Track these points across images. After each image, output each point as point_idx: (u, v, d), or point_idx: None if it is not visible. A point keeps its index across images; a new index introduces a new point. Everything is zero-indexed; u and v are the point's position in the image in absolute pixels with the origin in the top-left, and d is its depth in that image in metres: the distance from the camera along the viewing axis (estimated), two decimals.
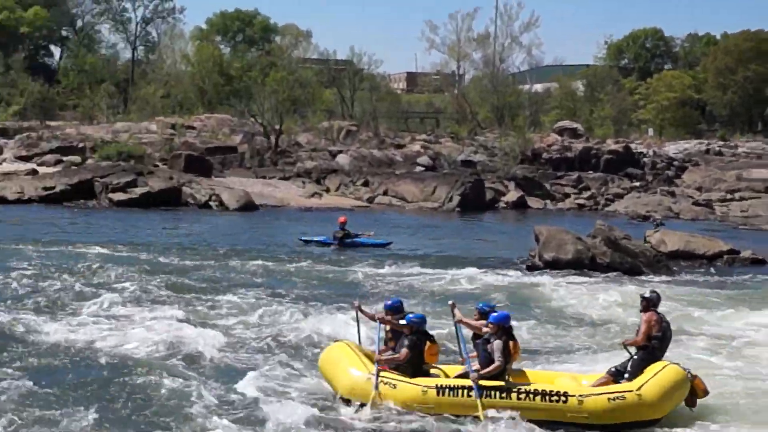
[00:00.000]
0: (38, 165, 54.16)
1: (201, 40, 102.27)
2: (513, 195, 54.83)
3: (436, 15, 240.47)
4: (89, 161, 55.56)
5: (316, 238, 33.73)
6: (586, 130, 75.15)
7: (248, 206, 46.62)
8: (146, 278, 23.81)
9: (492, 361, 13.28)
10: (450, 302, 14.65)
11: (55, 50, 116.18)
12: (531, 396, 13.11)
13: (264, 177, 56.75)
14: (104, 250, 28.85)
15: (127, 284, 22.75)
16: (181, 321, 18.58)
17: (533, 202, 54.84)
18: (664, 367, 13.71)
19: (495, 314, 13.78)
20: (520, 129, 69.29)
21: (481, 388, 13.06)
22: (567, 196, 56.76)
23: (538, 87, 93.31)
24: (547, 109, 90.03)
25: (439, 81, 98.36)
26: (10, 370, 14.80)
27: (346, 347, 14.44)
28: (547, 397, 13.09)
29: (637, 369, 13.92)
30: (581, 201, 55.82)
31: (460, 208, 50.30)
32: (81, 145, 59.21)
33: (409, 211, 50.39)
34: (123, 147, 57.13)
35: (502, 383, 13.22)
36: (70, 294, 21.33)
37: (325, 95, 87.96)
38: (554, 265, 28.23)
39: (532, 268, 28.59)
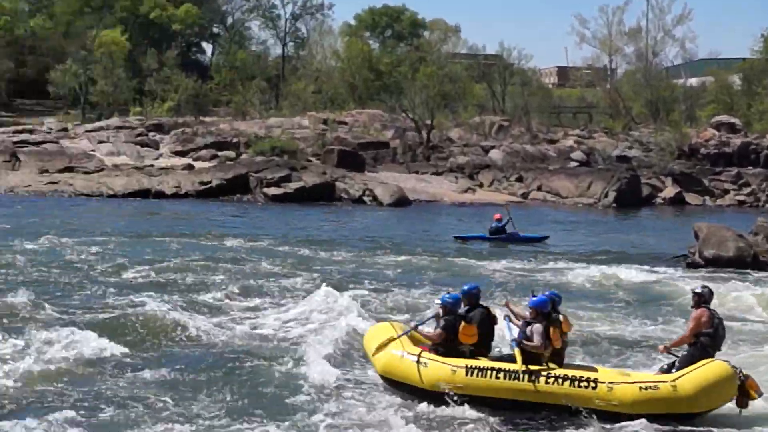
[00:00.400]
0: (194, 160, 54.87)
1: (350, 35, 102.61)
2: (670, 191, 53.53)
3: (586, 8, 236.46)
4: (243, 156, 56.07)
5: (471, 235, 33.21)
6: (744, 125, 72.26)
7: (402, 201, 46.29)
8: (299, 272, 23.49)
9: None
10: (504, 301, 14.94)
11: (207, 47, 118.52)
12: (559, 381, 12.85)
13: (416, 172, 56.40)
14: (258, 243, 28.82)
15: (281, 278, 22.51)
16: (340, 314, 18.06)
17: (691, 199, 53.50)
18: (709, 363, 13.19)
19: (534, 299, 13.52)
20: (676, 124, 67.37)
21: (520, 348, 12.93)
22: (726, 192, 55.24)
23: (693, 81, 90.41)
24: (702, 103, 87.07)
25: (590, 75, 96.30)
26: (152, 357, 14.93)
27: (388, 327, 14.41)
28: (576, 383, 12.83)
29: (685, 365, 13.41)
30: (741, 197, 54.43)
31: (616, 204, 49.30)
32: (235, 140, 59.82)
33: (564, 206, 49.34)
34: (276, 142, 57.44)
35: (534, 366, 12.94)
36: (222, 285, 21.10)
37: (476, 90, 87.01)
38: (715, 263, 27.39)
39: (692, 266, 27.75)
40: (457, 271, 25.21)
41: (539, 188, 53.87)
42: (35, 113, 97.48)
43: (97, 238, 28.69)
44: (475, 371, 13.01)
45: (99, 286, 20.47)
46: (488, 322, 13.71)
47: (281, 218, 38.13)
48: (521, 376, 12.87)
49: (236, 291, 20.53)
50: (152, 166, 51.89)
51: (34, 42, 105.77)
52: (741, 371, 13.15)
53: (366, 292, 20.91)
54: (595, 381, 12.85)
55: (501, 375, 12.95)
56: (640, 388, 12.80)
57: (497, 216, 33.25)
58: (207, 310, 18.55)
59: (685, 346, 13.78)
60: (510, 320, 13.80)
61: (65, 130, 61.83)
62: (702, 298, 13.94)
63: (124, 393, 12.95)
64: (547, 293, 13.94)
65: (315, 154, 57.46)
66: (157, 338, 16.10)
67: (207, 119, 70.51)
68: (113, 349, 15.09)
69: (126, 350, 15.18)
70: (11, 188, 43.08)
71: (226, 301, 19.65)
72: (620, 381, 12.98)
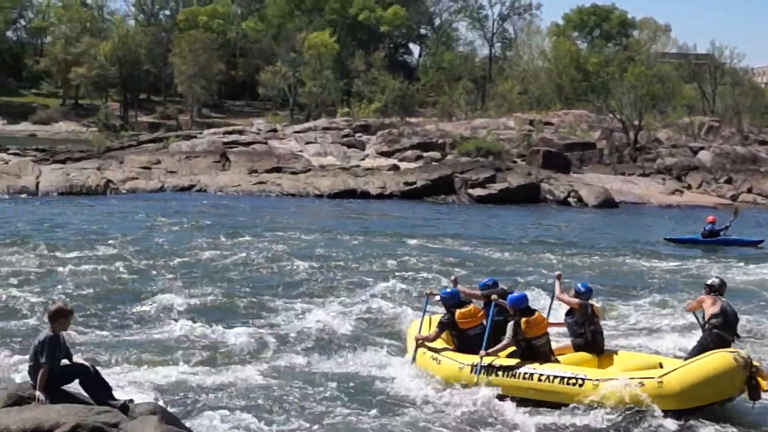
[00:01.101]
0: (399, 161, 55.26)
1: (558, 35, 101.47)
2: None
3: None
4: (449, 157, 56.09)
5: (684, 237, 32.18)
6: None
7: (607, 203, 45.30)
8: (505, 276, 23.05)
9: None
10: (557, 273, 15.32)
11: (414, 48, 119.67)
12: (548, 378, 13.05)
13: (623, 173, 55.14)
14: (458, 244, 28.58)
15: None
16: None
17: None
18: (709, 355, 12.93)
19: (512, 295, 13.93)
20: None
21: (486, 366, 13.37)
22: None
23: None
24: None
25: None
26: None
27: (422, 321, 15.09)
28: (564, 381, 12.96)
29: (696, 353, 13.37)
30: None
31: None
32: (440, 141, 59.92)
33: None
34: (482, 143, 57.25)
35: (516, 362, 13.38)
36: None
37: (685, 90, 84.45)
38: None
39: None
40: (665, 273, 24.40)
41: (749, 190, 52.03)
42: (245, 114, 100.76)
43: (305, 236, 29.23)
44: (479, 368, 13.45)
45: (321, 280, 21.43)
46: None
47: (485, 219, 37.84)
48: (505, 373, 13.32)
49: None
50: (358, 166, 52.55)
51: (245, 44, 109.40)
52: (752, 362, 12.80)
53: None
54: (583, 378, 12.93)
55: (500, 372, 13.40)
56: (626, 385, 12.73)
57: (711, 218, 32.15)
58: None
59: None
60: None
61: (274, 131, 63.40)
62: (712, 288, 13.99)
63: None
64: (582, 285, 14.48)
65: (520, 155, 56.99)
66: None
67: (413, 120, 70.96)
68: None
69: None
70: (221, 188, 44.42)
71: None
72: (607, 378, 12.94)
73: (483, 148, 55.84)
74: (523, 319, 13.49)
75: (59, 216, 32.96)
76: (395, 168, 51.70)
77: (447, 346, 14.34)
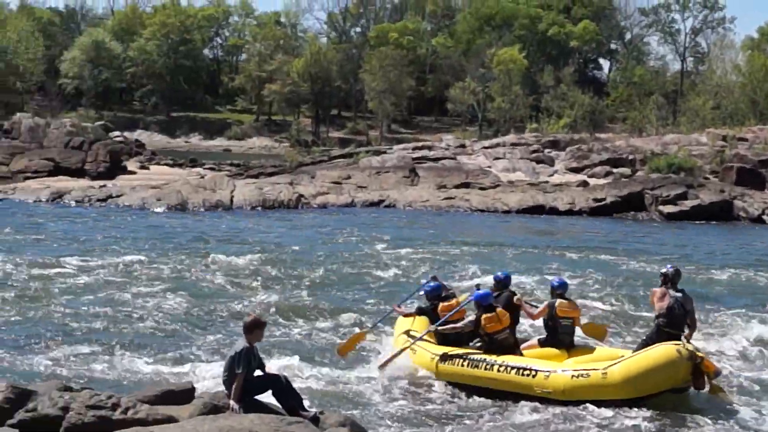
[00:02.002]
0: (588, 176, 54.46)
1: (752, 49, 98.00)
2: None
3: None
4: (639, 173, 54.89)
5: None
6: None
7: None
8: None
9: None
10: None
11: (604, 63, 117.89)
12: (505, 369, 13.80)
13: None
14: (650, 261, 27.83)
15: None
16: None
17: None
18: (653, 348, 13.64)
19: (477, 292, 14.96)
20: None
21: (451, 356, 14.50)
22: None
23: None
24: None
25: None
26: None
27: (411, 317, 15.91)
28: (519, 371, 13.69)
29: (642, 347, 14.11)
30: None
31: None
32: (630, 157, 58.73)
33: None
34: (673, 159, 55.74)
35: (474, 352, 14.34)
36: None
37: None
38: None
39: None
40: None
41: None
42: (433, 130, 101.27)
43: (490, 249, 29.18)
44: (445, 359, 14.49)
45: None
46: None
47: (676, 236, 36.80)
48: (460, 362, 14.25)
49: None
50: (547, 182, 52.06)
51: (434, 60, 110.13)
52: (696, 354, 13.41)
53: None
54: (534, 370, 13.66)
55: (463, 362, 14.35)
56: (572, 376, 13.45)
57: None
58: None
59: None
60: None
61: (462, 146, 63.48)
62: (666, 278, 14.54)
63: None
64: (557, 281, 15.68)
65: (713, 172, 55.18)
66: None
67: (602, 135, 69.76)
68: None
69: None
70: (409, 203, 44.73)
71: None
72: (556, 369, 13.65)
73: (674, 164, 54.34)
74: (484, 315, 14.39)
75: (251, 229, 33.98)
76: (584, 184, 50.93)
77: (430, 339, 15.17)
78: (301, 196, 44.29)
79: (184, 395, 11.08)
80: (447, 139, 68.38)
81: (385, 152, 59.94)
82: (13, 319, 18.01)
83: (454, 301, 15.59)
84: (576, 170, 57.09)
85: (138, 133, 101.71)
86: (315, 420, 10.41)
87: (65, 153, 58.24)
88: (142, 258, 25.71)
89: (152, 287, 21.62)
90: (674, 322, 14.20)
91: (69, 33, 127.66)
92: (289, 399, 10.92)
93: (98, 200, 42.18)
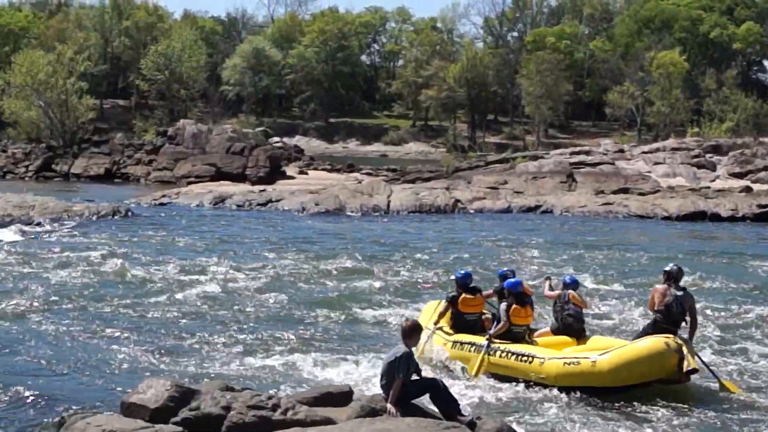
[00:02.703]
0: (752, 182, 52.80)
1: None
2: None
3: None
4: None
5: None
6: None
7: None
8: None
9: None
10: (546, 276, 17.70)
11: None
12: (508, 355, 14.68)
13: None
14: None
15: None
16: None
17: None
18: (644, 339, 14.39)
19: (509, 280, 15.54)
20: None
21: (462, 343, 15.30)
22: None
23: None
24: None
25: None
26: None
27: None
28: (519, 358, 14.52)
29: (636, 338, 14.88)
30: None
31: None
32: None
33: None
34: None
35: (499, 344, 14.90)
36: None
37: None
38: None
39: None
40: None
41: None
42: (591, 135, 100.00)
43: (648, 255, 28.58)
44: (458, 345, 15.34)
45: None
46: None
47: None
48: (486, 351, 14.88)
49: None
50: (708, 188, 50.72)
51: (592, 64, 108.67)
52: (683, 347, 13.95)
53: None
54: (532, 357, 14.46)
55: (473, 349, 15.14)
56: (564, 363, 14.18)
57: None
58: None
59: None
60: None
61: (621, 151, 62.40)
62: (669, 276, 15.04)
63: None
64: (568, 278, 16.56)
65: None
66: None
67: (767, 140, 67.54)
68: None
69: None
70: (566, 208, 44.15)
71: None
72: (552, 357, 14.38)
73: None
74: (515, 306, 15.14)
75: (408, 233, 34.16)
76: (748, 190, 49.35)
77: (446, 327, 15.90)
78: (458, 201, 44.28)
79: (341, 397, 11.20)
80: (605, 144, 67.31)
81: (542, 157, 59.42)
82: (175, 319, 18.54)
83: (478, 296, 15.96)
84: (739, 175, 55.46)
85: (297, 139, 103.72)
86: (471, 425, 10.38)
87: (227, 158, 59.83)
88: (300, 260, 26.17)
89: (309, 290, 21.96)
90: (671, 319, 14.72)
91: (230, 41, 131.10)
92: (446, 403, 10.92)
93: (258, 204, 43.11)
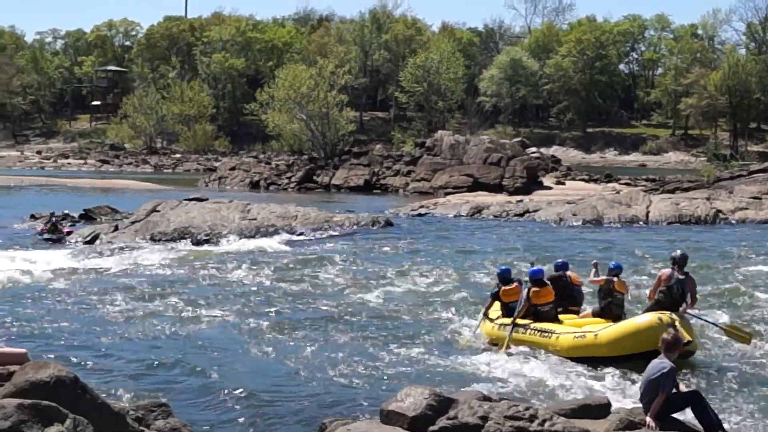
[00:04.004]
0: None
1: None
2: None
3: None
4: None
5: None
6: None
7: None
8: None
9: None
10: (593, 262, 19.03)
11: None
12: (534, 332, 16.64)
13: None
14: None
15: None
16: None
17: None
18: (639, 316, 16.32)
19: (531, 269, 17.68)
20: None
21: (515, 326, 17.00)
22: None
23: None
24: None
25: None
26: None
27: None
28: (542, 334, 16.46)
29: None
30: None
31: None
32: None
33: None
34: None
35: (524, 321, 16.94)
36: None
37: None
38: None
39: None
40: None
41: None
42: None
43: None
44: (498, 327, 17.38)
45: None
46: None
47: None
48: (512, 330, 16.93)
49: None
50: None
51: None
52: (676, 323, 14.77)
53: None
54: (551, 332, 16.44)
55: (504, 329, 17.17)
56: (574, 337, 16.15)
57: None
58: None
59: None
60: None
61: None
62: (674, 262, 16.69)
63: None
64: (613, 264, 17.78)
65: None
66: None
67: None
68: None
69: None
70: None
71: None
72: (564, 332, 16.39)
73: None
74: (533, 288, 17.19)
75: (665, 245, 33.23)
76: None
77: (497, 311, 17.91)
78: (719, 211, 42.70)
79: (599, 409, 11.05)
80: None
81: None
82: (433, 327, 18.77)
83: (514, 286, 17.77)
84: None
85: (554, 149, 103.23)
86: None
87: (484, 169, 60.23)
88: None
89: None
90: (671, 300, 16.38)
91: (487, 52, 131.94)
92: (709, 417, 10.59)
93: (515, 215, 43.12)
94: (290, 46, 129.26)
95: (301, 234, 34.86)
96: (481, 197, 51.12)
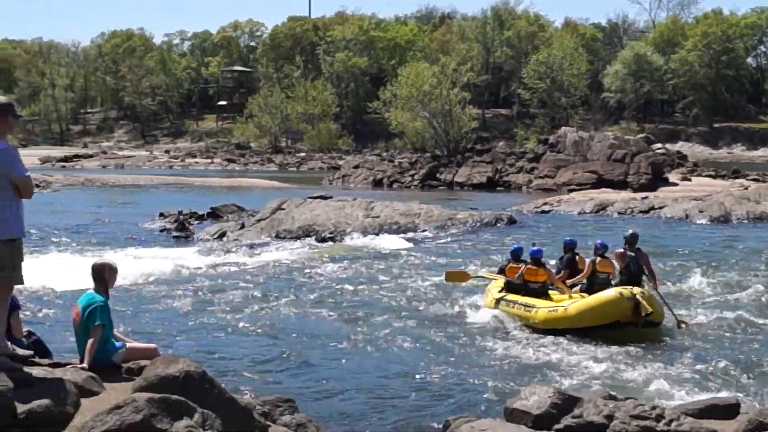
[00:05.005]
0: None
1: None
2: None
3: None
4: None
5: None
6: None
7: None
8: None
9: None
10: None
11: None
12: (519, 306, 18.40)
13: None
14: None
15: None
16: None
17: None
18: (603, 291, 17.80)
19: (531, 249, 19.52)
20: None
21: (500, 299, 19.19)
22: None
23: None
24: None
25: None
26: None
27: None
28: (525, 308, 18.19)
29: None
30: None
31: None
32: None
33: None
34: None
35: (514, 297, 18.84)
36: None
37: None
38: None
39: None
40: None
41: None
42: None
43: None
44: (511, 303, 18.78)
45: None
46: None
47: None
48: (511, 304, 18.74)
49: None
50: None
51: None
52: (636, 296, 16.96)
53: None
54: (532, 306, 18.06)
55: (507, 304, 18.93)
56: (548, 311, 17.71)
57: None
58: None
59: None
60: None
61: None
62: (625, 240, 18.86)
63: None
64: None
65: None
66: None
67: None
68: None
69: None
70: None
71: None
72: (541, 306, 17.97)
73: None
74: (527, 267, 19.06)
75: None
76: None
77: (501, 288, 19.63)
78: None
79: (728, 410, 10.80)
80: None
81: None
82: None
83: (520, 265, 19.42)
84: None
85: (679, 145, 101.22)
86: None
87: (608, 165, 59.44)
88: (689, 268, 25.40)
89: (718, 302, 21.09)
90: (631, 276, 18.25)
91: (611, 47, 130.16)
92: None
93: (640, 212, 42.43)
94: (412, 44, 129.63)
95: (424, 231, 34.96)
96: (605, 194, 50.42)
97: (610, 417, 10.07)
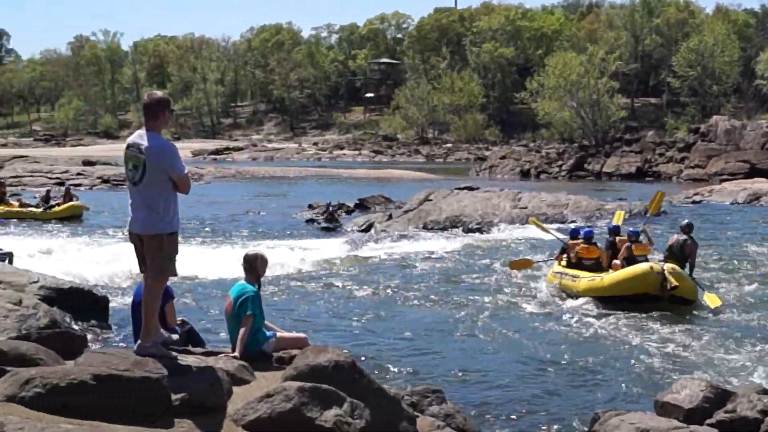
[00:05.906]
0: None
1: None
2: None
3: None
4: None
5: None
6: None
7: None
8: None
9: None
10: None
11: None
12: (569, 277, 20.65)
13: None
14: None
15: None
16: None
17: None
18: (637, 264, 19.50)
19: (585, 230, 22.24)
20: None
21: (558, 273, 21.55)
22: None
23: None
24: None
25: None
26: None
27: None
28: (572, 278, 20.43)
29: None
30: None
31: None
32: None
33: None
34: None
35: (566, 270, 21.21)
36: None
37: None
38: None
39: None
40: None
41: None
42: None
43: None
44: (561, 275, 21.01)
45: None
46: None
47: None
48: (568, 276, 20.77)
49: None
50: None
51: None
52: (665, 270, 18.88)
53: None
54: (578, 276, 20.27)
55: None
56: (589, 281, 19.87)
57: None
58: None
59: None
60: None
61: None
62: (681, 228, 20.64)
63: None
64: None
65: None
66: None
67: None
68: None
69: None
70: None
71: None
72: (583, 276, 20.16)
73: None
74: (581, 245, 21.20)
75: None
76: None
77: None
78: None
79: None
80: None
81: None
82: (709, 320, 18.22)
83: (577, 242, 21.53)
84: None
85: None
86: None
87: (761, 154, 57.82)
88: None
89: None
90: (671, 256, 20.03)
91: (764, 34, 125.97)
92: None
93: None
94: (559, 34, 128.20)
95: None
96: (759, 184, 48.88)
97: (765, 412, 9.86)
